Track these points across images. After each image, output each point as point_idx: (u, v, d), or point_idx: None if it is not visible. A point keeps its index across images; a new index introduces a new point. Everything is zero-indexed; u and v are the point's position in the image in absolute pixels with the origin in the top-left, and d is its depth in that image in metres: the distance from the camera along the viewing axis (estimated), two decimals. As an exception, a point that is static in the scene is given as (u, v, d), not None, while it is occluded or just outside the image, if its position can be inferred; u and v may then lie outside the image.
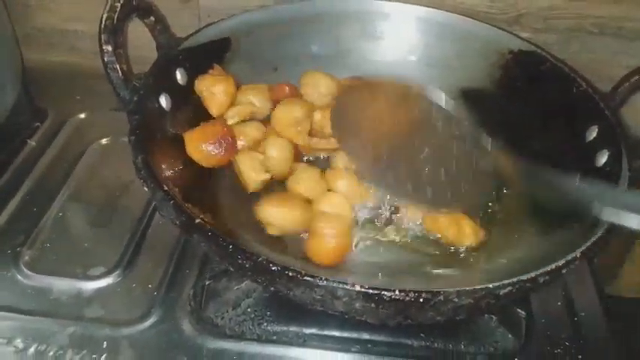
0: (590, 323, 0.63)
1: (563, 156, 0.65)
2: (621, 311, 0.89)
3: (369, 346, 0.59)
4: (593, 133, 0.63)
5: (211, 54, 0.70)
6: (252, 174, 0.63)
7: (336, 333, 0.59)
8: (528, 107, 0.71)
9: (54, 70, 0.95)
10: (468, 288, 0.43)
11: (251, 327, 0.59)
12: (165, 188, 0.50)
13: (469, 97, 0.75)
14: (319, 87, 0.70)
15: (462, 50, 0.75)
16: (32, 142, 0.81)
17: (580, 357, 0.60)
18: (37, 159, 0.78)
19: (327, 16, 0.75)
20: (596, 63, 0.83)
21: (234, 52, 0.72)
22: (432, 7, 0.75)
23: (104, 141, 0.82)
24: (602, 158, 0.60)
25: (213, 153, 0.62)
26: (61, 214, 0.71)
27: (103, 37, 0.57)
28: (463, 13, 0.76)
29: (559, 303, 0.65)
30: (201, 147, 0.62)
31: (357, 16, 0.75)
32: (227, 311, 0.60)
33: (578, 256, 0.47)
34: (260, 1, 0.83)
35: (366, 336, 0.59)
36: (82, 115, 0.86)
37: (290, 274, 0.43)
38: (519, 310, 0.60)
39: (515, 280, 0.44)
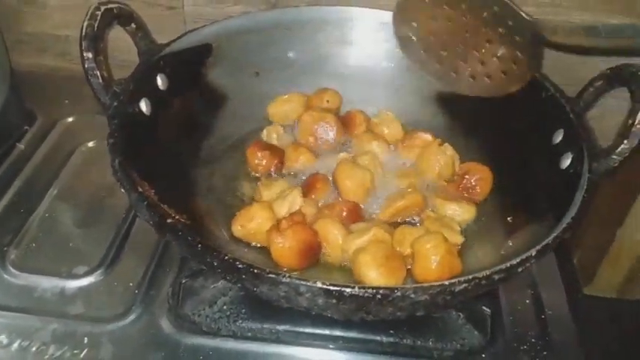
0: (557, 321, 0.65)
1: (532, 158, 0.67)
2: (597, 311, 0.92)
3: (341, 342, 0.61)
4: (559, 137, 0.65)
5: (193, 59, 0.73)
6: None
7: (309, 330, 0.61)
8: (500, 111, 0.72)
9: (44, 74, 0.97)
10: (424, 284, 0.45)
11: (227, 324, 0.61)
12: (140, 190, 0.52)
13: (444, 100, 0.77)
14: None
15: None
16: (21, 145, 0.83)
17: (545, 353, 0.62)
18: (26, 161, 0.80)
19: (306, 23, 0.77)
20: (567, 67, 0.85)
21: (215, 57, 0.74)
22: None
23: (91, 144, 0.84)
24: (567, 160, 0.62)
25: None
26: (47, 214, 0.74)
27: (83, 44, 0.59)
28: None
29: (527, 301, 0.67)
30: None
31: (336, 23, 0.77)
32: (204, 309, 0.62)
33: (533, 254, 0.49)
34: (244, 8, 0.85)
35: (337, 332, 0.61)
36: (70, 119, 0.88)
37: (255, 271, 0.46)
38: (484, 308, 0.62)
39: (470, 277, 0.46)
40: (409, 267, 0.60)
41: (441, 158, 0.70)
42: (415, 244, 0.59)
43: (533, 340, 0.63)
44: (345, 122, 0.75)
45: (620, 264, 1.00)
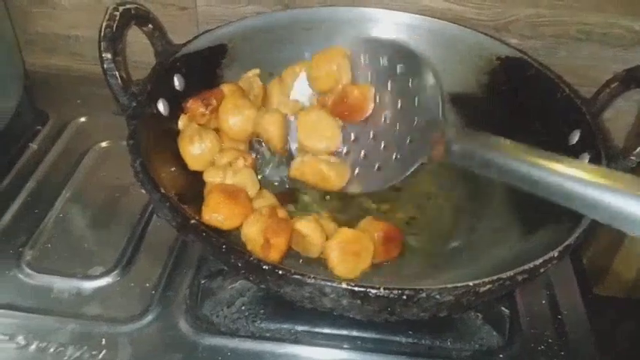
0: (573, 321, 0.65)
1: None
2: (608, 311, 0.92)
3: (359, 342, 0.61)
4: (575, 137, 0.65)
5: (208, 60, 0.72)
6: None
7: (327, 330, 0.61)
8: (515, 111, 0.73)
9: (56, 74, 0.97)
10: (449, 285, 0.45)
11: (245, 324, 0.61)
12: (162, 191, 0.52)
13: (457, 101, 0.77)
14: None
15: (450, 57, 0.77)
16: (34, 146, 0.83)
17: (562, 354, 0.62)
18: (39, 162, 0.81)
19: (323, 23, 0.77)
20: (582, 68, 0.85)
21: (230, 57, 0.74)
22: (422, 15, 0.77)
23: (104, 144, 0.84)
24: (584, 160, 0.62)
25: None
26: (62, 215, 0.74)
27: (102, 44, 0.59)
28: (452, 20, 0.78)
29: (543, 301, 0.67)
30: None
31: (350, 23, 0.77)
32: (222, 309, 0.62)
33: (555, 255, 0.49)
34: (257, 8, 0.85)
35: (355, 333, 0.61)
36: (83, 119, 0.88)
37: (280, 272, 0.46)
38: (503, 309, 0.62)
39: (494, 278, 0.46)
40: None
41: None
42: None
43: (550, 340, 0.63)
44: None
45: (631, 264, 0.99)
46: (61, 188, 0.77)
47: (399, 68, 0.67)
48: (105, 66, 0.59)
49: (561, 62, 0.84)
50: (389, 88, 0.68)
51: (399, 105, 0.67)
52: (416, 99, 0.66)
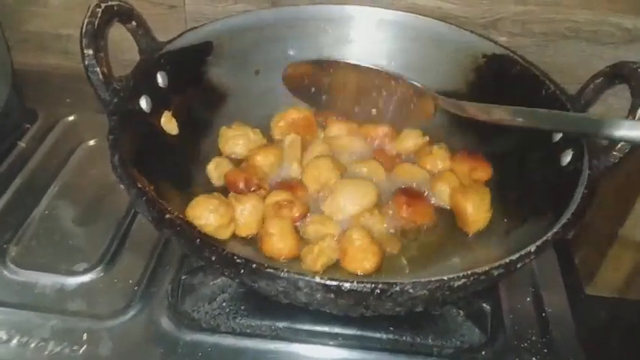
0: (557, 320, 0.65)
1: (531, 155, 0.67)
2: (600, 311, 0.91)
3: (340, 339, 0.61)
4: (559, 134, 0.64)
5: (193, 57, 0.73)
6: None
7: (308, 327, 0.61)
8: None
9: (46, 73, 0.98)
10: (422, 280, 0.45)
11: (226, 321, 0.61)
12: (139, 185, 0.52)
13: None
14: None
15: (436, 54, 0.77)
16: (22, 144, 0.83)
17: (546, 351, 0.62)
18: (27, 160, 0.81)
19: (307, 21, 0.77)
20: (570, 66, 0.85)
21: (216, 55, 0.74)
22: (409, 12, 0.77)
23: (92, 142, 0.84)
24: (567, 157, 0.62)
25: None
26: (47, 212, 0.74)
27: (84, 41, 0.59)
28: (440, 18, 0.78)
29: (528, 299, 0.67)
30: None
31: (337, 21, 0.77)
32: (203, 305, 0.62)
33: (532, 250, 0.49)
34: (244, 6, 0.85)
35: (336, 330, 0.61)
36: (72, 118, 0.88)
37: (253, 266, 0.46)
38: (485, 305, 0.62)
39: (469, 272, 0.46)
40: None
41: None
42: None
43: (533, 338, 0.63)
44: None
45: (622, 264, 0.99)
46: (48, 186, 0.77)
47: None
48: (86, 62, 0.59)
49: (550, 60, 0.84)
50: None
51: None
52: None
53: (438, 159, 0.72)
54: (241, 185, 0.65)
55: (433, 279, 0.45)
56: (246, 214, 0.62)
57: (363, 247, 0.60)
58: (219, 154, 0.72)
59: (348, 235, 0.61)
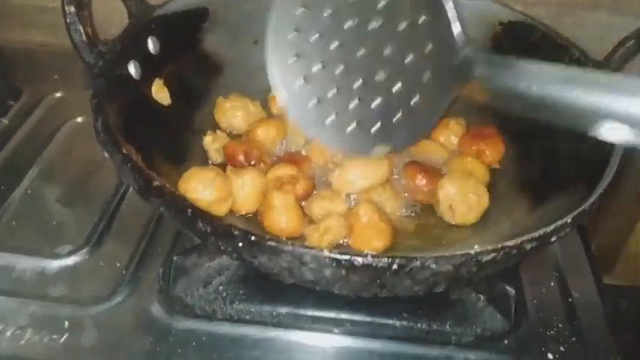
0: (584, 305, 0.60)
1: (555, 128, 0.61)
2: (619, 300, 0.86)
3: (348, 325, 0.55)
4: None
5: (187, 24, 0.67)
6: None
7: (313, 312, 0.55)
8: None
9: (33, 49, 0.92)
10: (446, 254, 0.40)
11: (222, 306, 0.55)
12: (124, 151, 0.46)
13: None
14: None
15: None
16: (5, 121, 0.78)
17: (574, 339, 0.56)
18: (10, 136, 0.75)
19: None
20: (589, 37, 0.79)
21: (212, 22, 0.69)
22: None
23: (79, 119, 0.79)
24: (596, 128, 0.56)
25: None
26: (29, 191, 0.68)
27: (65, -4, 0.53)
28: (453, -14, 0.72)
29: (552, 284, 0.61)
30: None
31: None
32: (197, 289, 0.56)
33: (568, 221, 0.44)
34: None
35: (344, 315, 0.55)
36: (58, 94, 0.83)
37: (253, 238, 0.40)
38: (508, 288, 0.56)
39: (499, 246, 0.41)
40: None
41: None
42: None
43: (560, 325, 0.57)
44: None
45: (640, 255, 0.94)
46: (31, 164, 0.72)
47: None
48: (68, 20, 0.54)
49: (567, 32, 0.78)
50: (380, 7, 0.47)
51: (401, 29, 0.46)
52: (419, 18, 0.45)
53: (453, 134, 0.67)
54: (241, 158, 0.59)
55: (458, 253, 0.40)
56: (245, 189, 0.56)
57: (372, 223, 0.55)
58: (215, 127, 0.66)
59: (355, 211, 0.55)
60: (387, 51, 0.46)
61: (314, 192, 0.59)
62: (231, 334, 0.54)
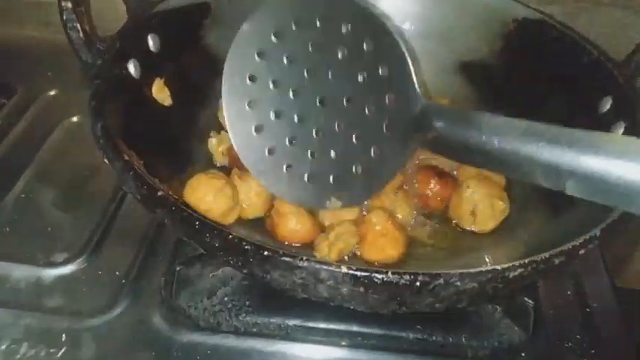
0: (603, 315, 0.58)
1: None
2: (631, 304, 0.84)
3: (359, 339, 0.53)
4: (607, 105, 0.57)
5: (188, 20, 0.64)
6: None
7: (323, 325, 0.53)
8: (533, 80, 0.65)
9: (26, 45, 0.89)
10: (472, 270, 0.37)
11: (228, 318, 0.53)
12: (126, 158, 0.44)
13: (467, 71, 0.70)
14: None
15: (459, 20, 0.69)
16: (-3, 120, 0.75)
17: (593, 352, 0.54)
18: (3, 137, 0.73)
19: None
20: (603, 37, 0.77)
21: (213, 18, 0.66)
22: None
23: (75, 119, 0.76)
24: (619, 131, 0.54)
25: None
26: (23, 195, 0.66)
27: (61, -8, 0.51)
28: (462, -16, 0.70)
29: (569, 293, 0.59)
30: None
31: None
32: (201, 301, 0.54)
33: (597, 234, 0.41)
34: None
35: (355, 328, 0.53)
36: (53, 92, 0.80)
37: (265, 253, 0.37)
38: (527, 300, 0.54)
39: (526, 261, 0.38)
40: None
41: None
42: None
43: (578, 336, 0.55)
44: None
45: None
46: (25, 166, 0.69)
47: (344, 28, 0.45)
48: (64, 17, 0.51)
49: (581, 30, 0.76)
50: (339, 57, 0.45)
51: (360, 79, 0.45)
52: (379, 69, 0.44)
53: None
54: None
55: (484, 269, 0.37)
56: (252, 194, 0.54)
57: (385, 232, 0.52)
58: (219, 128, 0.64)
59: (368, 219, 0.53)
60: (345, 101, 0.45)
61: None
62: (238, 348, 0.52)
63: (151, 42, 0.59)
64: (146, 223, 0.62)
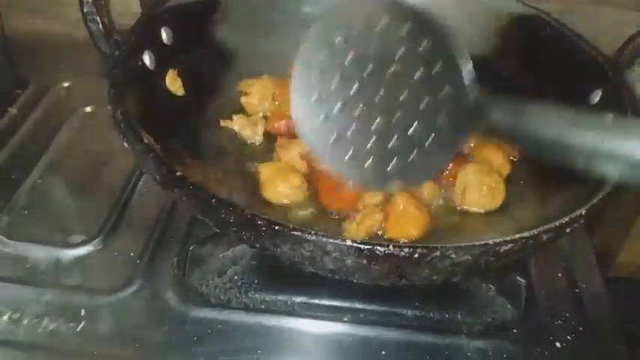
0: (591, 295, 0.61)
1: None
2: (619, 293, 0.87)
3: (361, 315, 0.56)
4: (596, 97, 0.60)
5: (199, 14, 0.67)
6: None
7: (327, 302, 0.56)
8: (528, 73, 0.68)
9: (39, 38, 0.92)
10: (466, 244, 0.40)
11: (237, 295, 0.56)
12: (146, 141, 0.47)
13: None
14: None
15: (458, 16, 0.70)
16: (13, 110, 0.78)
17: (581, 329, 0.58)
18: (18, 126, 0.76)
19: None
20: (596, 32, 0.80)
21: (223, 13, 0.69)
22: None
23: (88, 109, 0.79)
24: (608, 119, 0.57)
25: None
26: (40, 181, 0.69)
27: (82, -14, 0.54)
28: (459, -22, 0.73)
29: (559, 274, 0.62)
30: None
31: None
32: (212, 279, 0.57)
33: (583, 213, 0.44)
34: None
35: (358, 305, 0.56)
36: (66, 84, 0.83)
37: (277, 227, 0.41)
38: (519, 279, 0.57)
39: (516, 236, 0.42)
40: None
41: None
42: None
43: (567, 314, 0.59)
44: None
45: (640, 246, 0.95)
46: (41, 154, 0.72)
47: (403, 30, 0.48)
48: (85, 9, 0.54)
49: (575, 26, 0.79)
50: (399, 55, 0.49)
51: (418, 74, 0.48)
52: (436, 65, 0.47)
53: None
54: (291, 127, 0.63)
55: (477, 243, 0.41)
56: (295, 160, 0.60)
57: (408, 211, 0.55)
58: (227, 116, 0.67)
59: (393, 200, 0.56)
60: (403, 95, 0.48)
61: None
62: (246, 323, 0.55)
63: (165, 35, 0.62)
64: (158, 207, 0.65)
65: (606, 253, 0.99)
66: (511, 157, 0.65)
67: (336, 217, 0.58)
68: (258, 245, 0.44)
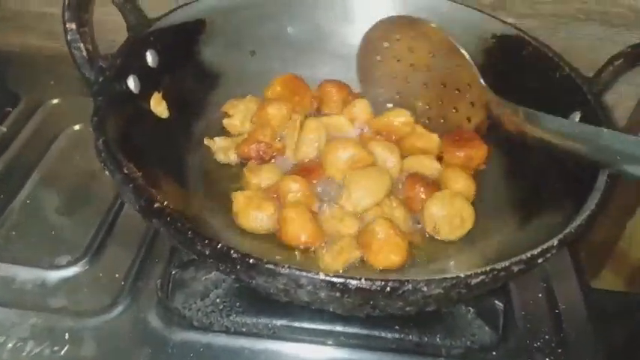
0: (571, 316, 0.62)
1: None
2: (606, 305, 0.88)
3: (342, 338, 0.57)
4: (575, 118, 0.61)
5: (185, 36, 0.68)
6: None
7: (308, 325, 0.57)
8: (511, 93, 0.68)
9: (28, 54, 0.93)
10: (437, 277, 0.41)
11: (219, 318, 0.57)
12: (126, 171, 0.48)
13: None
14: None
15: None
16: (3, 128, 0.79)
17: (560, 351, 0.58)
18: (8, 144, 0.76)
19: (302, -3, 0.72)
20: (581, 50, 0.81)
21: (209, 34, 0.69)
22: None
23: (77, 127, 0.80)
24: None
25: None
26: (29, 200, 0.69)
27: (66, 14, 0.54)
28: (448, -2, 0.73)
29: (540, 295, 0.63)
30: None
31: (336, -1, 0.73)
32: (195, 302, 0.57)
33: (555, 244, 0.45)
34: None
35: (339, 328, 0.57)
36: (56, 101, 0.83)
37: (251, 261, 0.41)
38: (497, 302, 0.58)
39: (488, 268, 0.42)
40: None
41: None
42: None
43: (546, 336, 0.59)
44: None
45: (631, 256, 0.96)
46: (30, 172, 0.72)
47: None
48: (69, 37, 0.55)
49: (560, 44, 0.79)
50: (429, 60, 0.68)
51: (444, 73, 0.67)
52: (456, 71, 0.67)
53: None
54: (261, 152, 0.64)
55: (448, 276, 0.41)
56: (263, 185, 0.61)
57: (389, 239, 0.56)
58: (214, 135, 0.68)
59: (371, 228, 0.56)
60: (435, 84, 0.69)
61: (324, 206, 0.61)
62: (229, 346, 0.56)
63: (150, 58, 0.63)
64: (144, 229, 0.66)
65: (594, 264, 1.00)
66: (480, 167, 0.66)
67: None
68: (234, 277, 0.45)
